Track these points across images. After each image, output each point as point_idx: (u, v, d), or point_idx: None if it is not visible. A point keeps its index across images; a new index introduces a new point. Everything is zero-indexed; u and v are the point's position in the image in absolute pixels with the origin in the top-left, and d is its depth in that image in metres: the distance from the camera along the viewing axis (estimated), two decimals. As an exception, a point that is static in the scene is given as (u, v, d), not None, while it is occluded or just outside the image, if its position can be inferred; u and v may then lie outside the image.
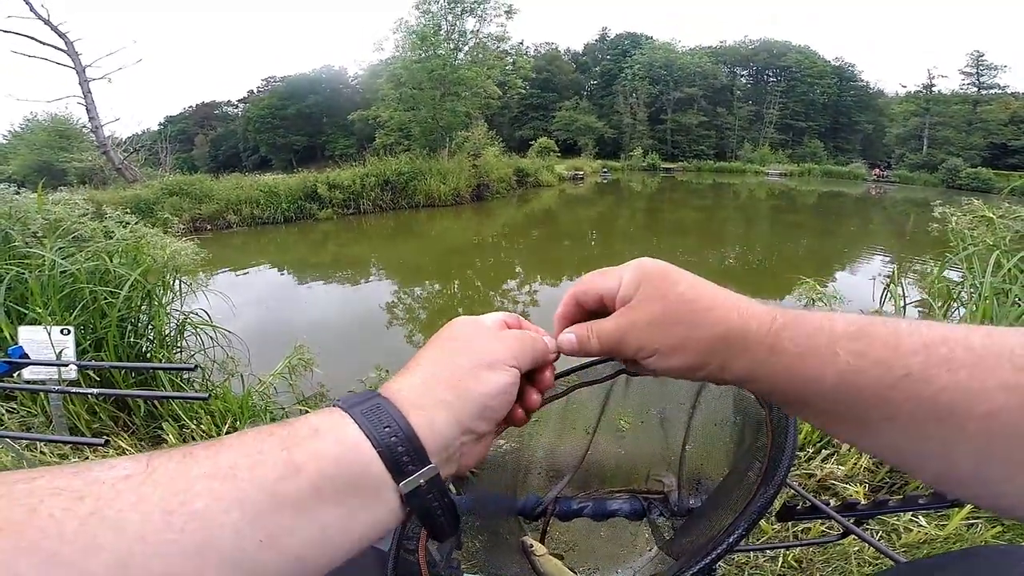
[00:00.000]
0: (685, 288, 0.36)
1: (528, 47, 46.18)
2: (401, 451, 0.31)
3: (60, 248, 2.89)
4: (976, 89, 40.85)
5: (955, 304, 2.80)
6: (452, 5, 20.67)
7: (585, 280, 0.42)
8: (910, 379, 0.28)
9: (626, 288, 0.39)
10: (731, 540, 0.40)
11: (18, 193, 3.26)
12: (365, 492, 0.30)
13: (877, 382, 0.29)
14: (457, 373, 0.35)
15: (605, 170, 34.12)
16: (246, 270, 9.71)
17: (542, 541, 0.73)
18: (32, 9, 15.22)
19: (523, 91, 25.37)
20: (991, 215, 2.86)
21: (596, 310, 0.42)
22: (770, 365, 0.33)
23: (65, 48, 16.33)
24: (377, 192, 15.70)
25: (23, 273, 2.69)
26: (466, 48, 21.53)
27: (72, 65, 16.66)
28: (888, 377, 0.29)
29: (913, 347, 0.29)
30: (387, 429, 0.31)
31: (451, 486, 0.75)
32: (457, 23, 21.07)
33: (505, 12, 21.42)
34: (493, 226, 14.71)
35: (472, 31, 21.52)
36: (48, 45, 16.01)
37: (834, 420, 0.33)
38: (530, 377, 0.42)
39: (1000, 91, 40.51)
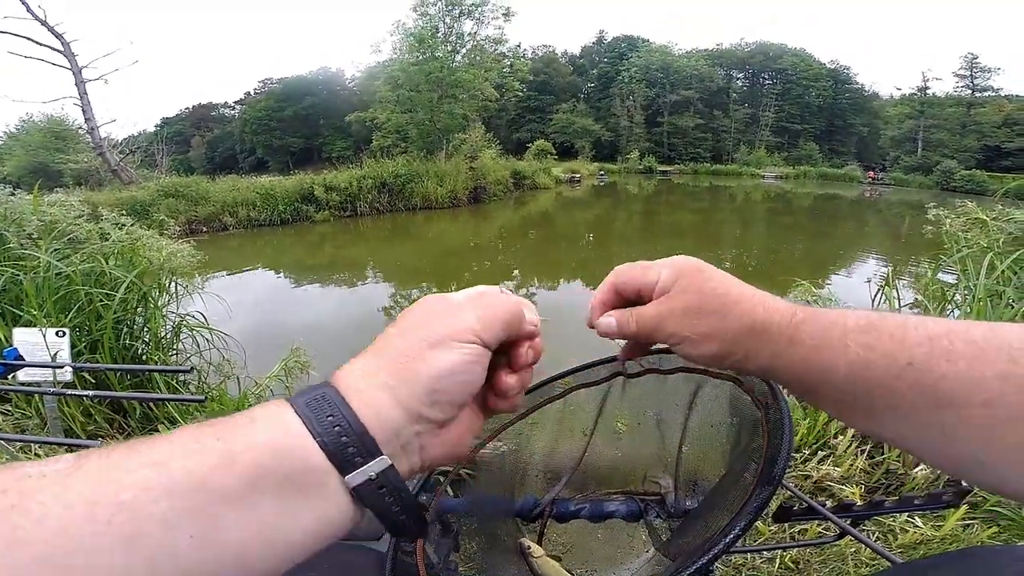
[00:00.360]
0: (717, 283, 0.40)
1: (525, 50, 46.28)
2: (346, 442, 0.28)
3: (56, 250, 2.88)
4: (970, 91, 41.12)
5: (949, 306, 2.82)
6: (450, 7, 20.73)
7: (625, 272, 0.45)
8: (913, 368, 0.31)
9: (664, 281, 0.41)
10: (728, 540, 0.41)
11: (13, 194, 3.25)
12: (308, 487, 0.28)
13: (884, 372, 0.32)
14: (401, 354, 0.32)
15: (602, 173, 34.21)
16: (242, 272, 9.68)
17: (539, 543, 0.73)
18: (29, 9, 15.18)
19: (520, 93, 25.41)
20: (985, 217, 2.87)
21: (633, 300, 0.45)
22: (789, 355, 0.36)
23: (62, 49, 16.29)
24: (374, 194, 15.71)
25: (18, 275, 2.68)
26: (464, 50, 21.60)
27: (68, 66, 16.61)
28: (893, 367, 0.31)
29: (918, 339, 0.31)
30: (330, 418, 0.29)
31: (448, 489, 0.75)
32: (455, 25, 21.15)
33: (503, 15, 21.55)
34: (490, 228, 14.72)
35: (470, 33, 21.62)
36: (44, 46, 15.97)
37: (846, 408, 0.36)
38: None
39: (994, 93, 40.82)
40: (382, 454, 0.29)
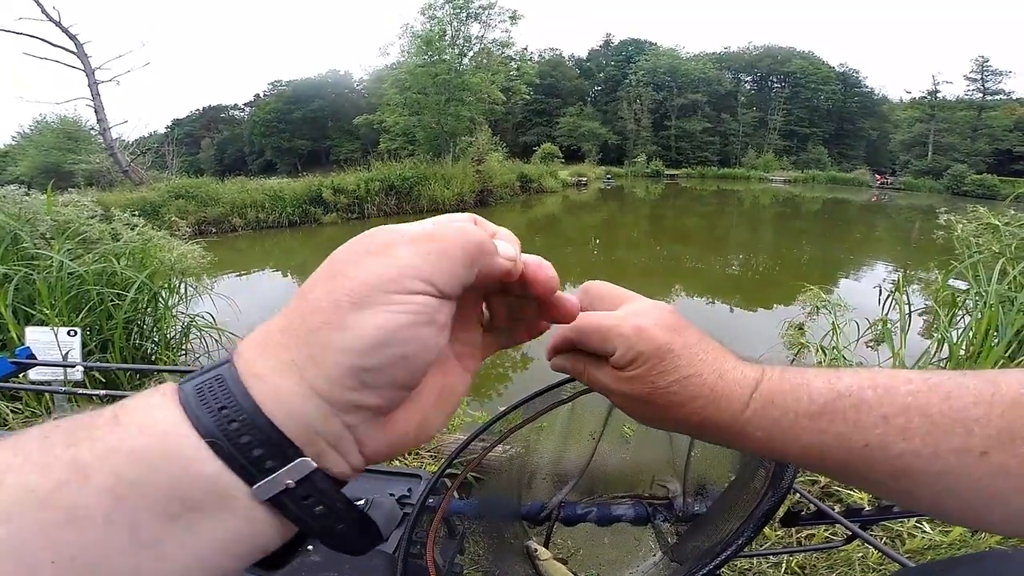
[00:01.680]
0: (673, 380, 0.36)
1: (532, 53, 46.43)
2: (248, 442, 0.22)
3: (68, 250, 2.92)
4: (981, 95, 40.83)
5: (960, 312, 2.80)
6: (457, 11, 20.83)
7: (585, 329, 0.39)
8: (869, 449, 0.31)
9: (618, 360, 0.37)
10: (739, 543, 0.41)
11: (27, 195, 3.30)
12: (204, 503, 0.22)
13: (837, 452, 0.32)
14: (312, 316, 0.23)
15: (608, 176, 34.15)
16: (251, 273, 9.75)
17: (546, 546, 0.73)
18: (43, 11, 15.41)
19: (527, 97, 25.46)
20: (997, 222, 2.85)
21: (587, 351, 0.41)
22: (739, 443, 0.36)
23: (75, 50, 16.53)
24: (381, 197, 15.78)
25: (31, 274, 2.71)
26: (471, 54, 21.68)
27: (81, 67, 16.86)
28: (848, 448, 0.32)
29: (873, 421, 0.31)
30: (224, 412, 0.22)
31: (455, 492, 0.76)
32: (462, 29, 21.23)
33: (509, 18, 21.62)
34: (496, 231, 14.70)
35: (477, 36, 21.70)
36: (58, 47, 16.23)
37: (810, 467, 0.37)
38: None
39: (1005, 97, 40.52)
40: (302, 455, 0.23)
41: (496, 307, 0.33)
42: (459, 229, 0.26)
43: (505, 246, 0.29)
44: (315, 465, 0.23)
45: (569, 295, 0.33)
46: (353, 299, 0.23)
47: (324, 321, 0.23)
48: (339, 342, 0.23)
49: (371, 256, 0.24)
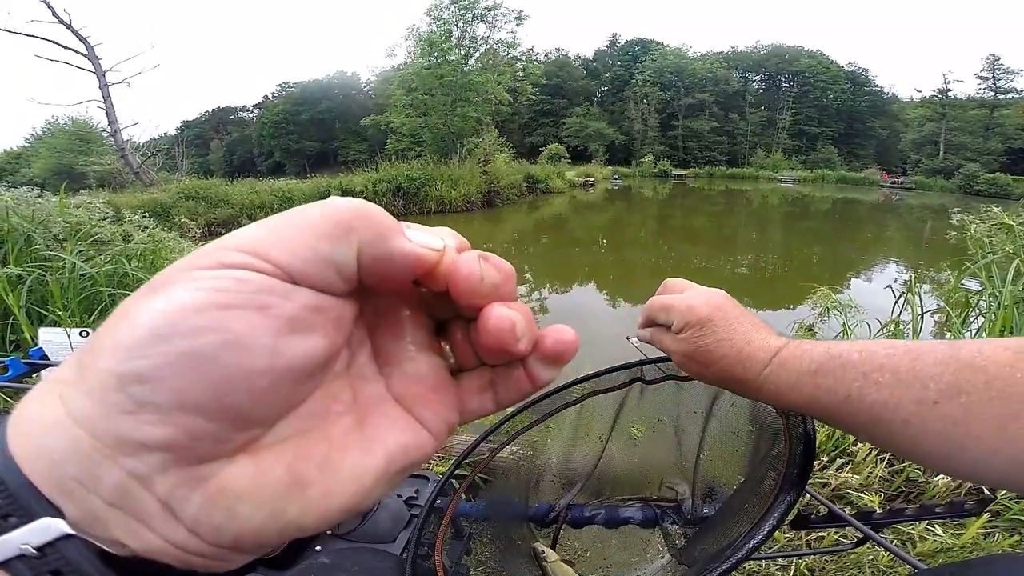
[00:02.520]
0: (711, 340, 0.48)
1: (538, 53, 46.29)
2: None
3: (80, 251, 2.95)
4: (993, 93, 40.30)
5: (973, 313, 2.76)
6: (463, 12, 20.86)
7: (655, 307, 0.56)
8: (849, 400, 0.38)
9: (676, 326, 0.51)
10: (752, 545, 0.41)
11: (40, 196, 3.34)
12: None
13: (828, 403, 0.39)
14: (111, 318, 0.16)
15: (616, 176, 34.06)
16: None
17: (553, 548, 0.73)
18: (54, 13, 15.59)
19: (533, 97, 25.45)
20: (1010, 222, 2.81)
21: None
22: (757, 395, 0.46)
23: (86, 52, 16.70)
24: (389, 198, 15.83)
25: (44, 275, 2.74)
26: (477, 54, 21.70)
27: (92, 69, 17.02)
28: (835, 399, 0.39)
29: (853, 376, 0.38)
30: None
31: (462, 494, 0.76)
32: (468, 29, 21.25)
33: (515, 18, 21.61)
34: (504, 232, 14.74)
35: (483, 37, 21.70)
36: (69, 49, 16.38)
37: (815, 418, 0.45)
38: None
39: (1018, 95, 39.90)
40: (55, 514, 0.16)
41: (457, 339, 0.23)
42: (332, 199, 0.19)
43: (424, 233, 0.20)
44: (68, 530, 0.16)
45: (507, 310, 0.20)
46: (151, 284, 0.16)
47: (113, 321, 0.16)
48: (107, 339, 0.16)
49: (214, 244, 0.17)
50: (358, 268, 0.18)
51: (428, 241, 0.19)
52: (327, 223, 0.17)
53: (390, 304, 0.22)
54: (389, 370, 0.22)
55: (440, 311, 0.23)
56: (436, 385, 0.22)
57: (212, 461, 0.16)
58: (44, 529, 0.16)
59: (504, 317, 0.20)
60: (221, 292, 0.16)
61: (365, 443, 0.20)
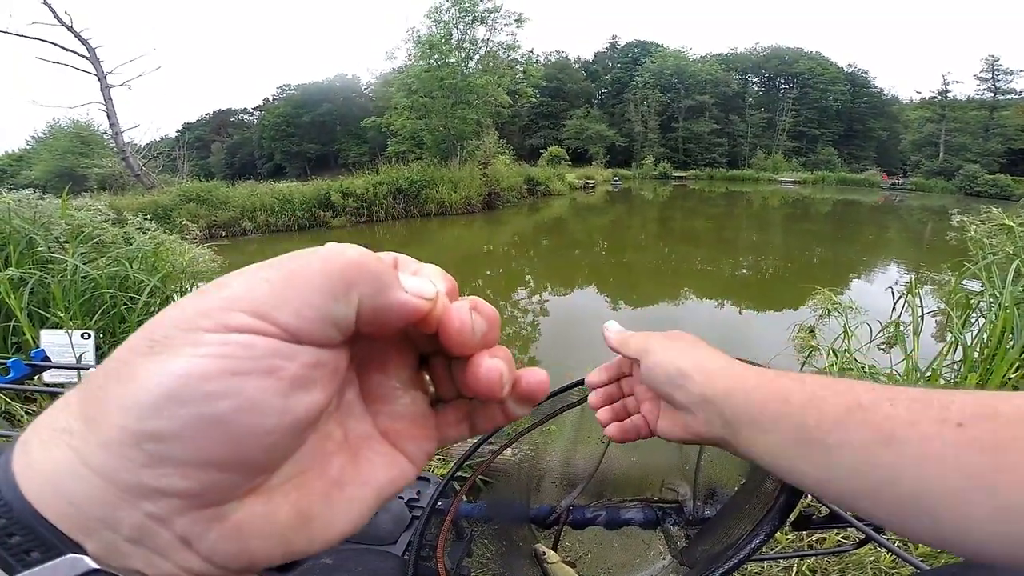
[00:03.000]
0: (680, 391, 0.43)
1: (538, 55, 46.34)
2: (3, 525, 0.17)
3: (82, 253, 2.96)
4: (992, 94, 40.34)
5: (974, 314, 2.76)
6: (463, 14, 20.89)
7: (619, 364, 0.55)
8: (862, 408, 0.32)
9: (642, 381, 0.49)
10: (753, 546, 0.41)
11: (42, 199, 3.35)
12: None
13: (836, 407, 0.33)
14: (104, 367, 0.18)
15: (616, 179, 34.08)
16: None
17: (555, 549, 0.73)
18: (56, 16, 15.64)
19: (533, 99, 25.45)
20: (1011, 223, 2.82)
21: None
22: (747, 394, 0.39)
23: (87, 55, 16.74)
24: (389, 200, 15.84)
25: (46, 277, 2.75)
26: (477, 56, 21.72)
27: (94, 71, 17.06)
28: (846, 404, 0.33)
29: (865, 387, 0.34)
30: None
31: (464, 496, 0.76)
32: (468, 32, 21.29)
33: (515, 21, 21.62)
34: (504, 235, 14.76)
35: (483, 39, 21.72)
36: (71, 51, 16.42)
37: (802, 447, 0.35)
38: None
39: (1017, 96, 39.93)
40: (79, 550, 0.17)
41: (439, 373, 0.25)
42: (328, 248, 0.20)
43: (417, 281, 0.21)
44: (93, 565, 0.17)
45: (496, 362, 0.22)
46: (151, 342, 0.17)
47: (108, 372, 0.17)
48: (116, 397, 0.17)
49: (199, 293, 0.18)
50: (356, 320, 0.19)
51: (422, 289, 0.21)
52: (328, 280, 0.18)
53: (378, 345, 0.23)
54: (376, 408, 0.23)
55: (425, 346, 0.24)
56: (418, 419, 0.24)
57: (226, 503, 0.18)
58: (71, 564, 0.17)
59: (493, 369, 0.22)
60: (230, 359, 0.17)
61: (359, 479, 0.22)
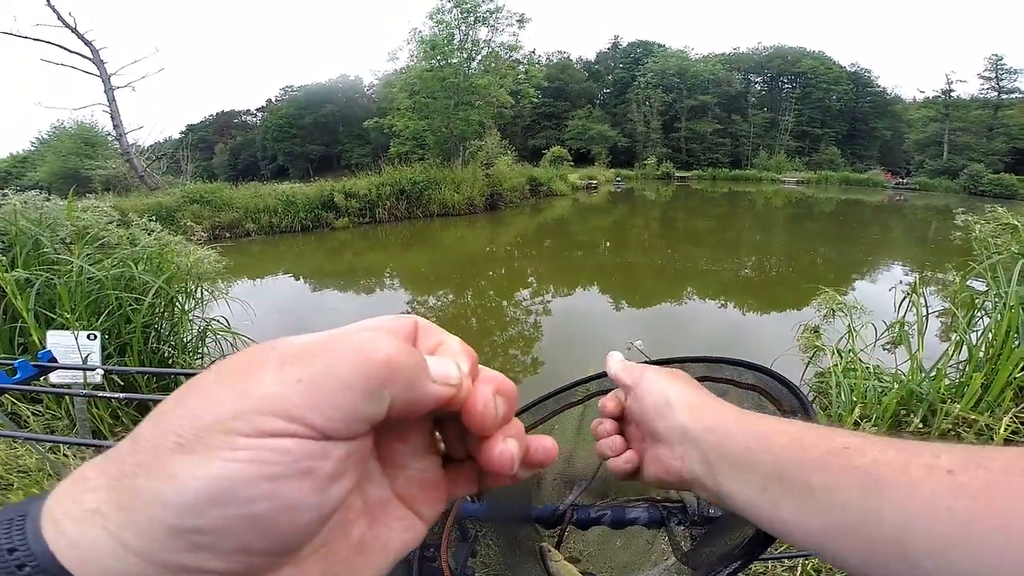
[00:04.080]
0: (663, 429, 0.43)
1: (540, 56, 46.44)
2: None
3: (87, 255, 2.97)
4: (996, 93, 40.15)
5: (979, 314, 2.75)
6: (465, 15, 20.91)
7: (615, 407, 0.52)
8: (848, 451, 0.31)
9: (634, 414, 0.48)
10: (756, 548, 0.41)
11: (47, 200, 3.36)
12: None
13: (820, 448, 0.32)
14: (129, 457, 0.18)
15: (619, 179, 34.08)
16: (264, 278, 9.86)
17: (558, 548, 0.73)
18: (60, 17, 15.74)
19: (536, 100, 25.43)
20: (1015, 222, 2.81)
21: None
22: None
23: (91, 56, 16.83)
24: (392, 201, 15.86)
25: (52, 279, 2.77)
26: (479, 57, 21.73)
27: (98, 73, 17.17)
28: (830, 446, 0.32)
29: (849, 433, 0.33)
30: (15, 554, 0.18)
31: (467, 495, 0.76)
32: (470, 32, 21.30)
33: (517, 21, 21.62)
34: (507, 235, 14.76)
35: (485, 40, 21.72)
36: (75, 53, 16.54)
37: (783, 494, 0.34)
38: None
39: (1021, 95, 39.77)
40: None
41: (451, 435, 0.26)
42: (360, 342, 0.20)
43: (442, 365, 0.22)
44: None
45: (510, 446, 0.24)
46: (179, 438, 0.18)
47: (138, 463, 0.18)
48: (153, 493, 0.17)
49: (221, 382, 0.19)
50: (387, 413, 0.20)
51: (448, 375, 0.22)
52: (363, 380, 0.19)
53: (399, 421, 0.23)
54: (393, 472, 0.24)
55: (440, 411, 0.24)
56: (432, 483, 0.25)
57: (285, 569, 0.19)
58: None
59: (506, 452, 0.24)
60: (267, 464, 0.17)
61: (378, 545, 0.23)
